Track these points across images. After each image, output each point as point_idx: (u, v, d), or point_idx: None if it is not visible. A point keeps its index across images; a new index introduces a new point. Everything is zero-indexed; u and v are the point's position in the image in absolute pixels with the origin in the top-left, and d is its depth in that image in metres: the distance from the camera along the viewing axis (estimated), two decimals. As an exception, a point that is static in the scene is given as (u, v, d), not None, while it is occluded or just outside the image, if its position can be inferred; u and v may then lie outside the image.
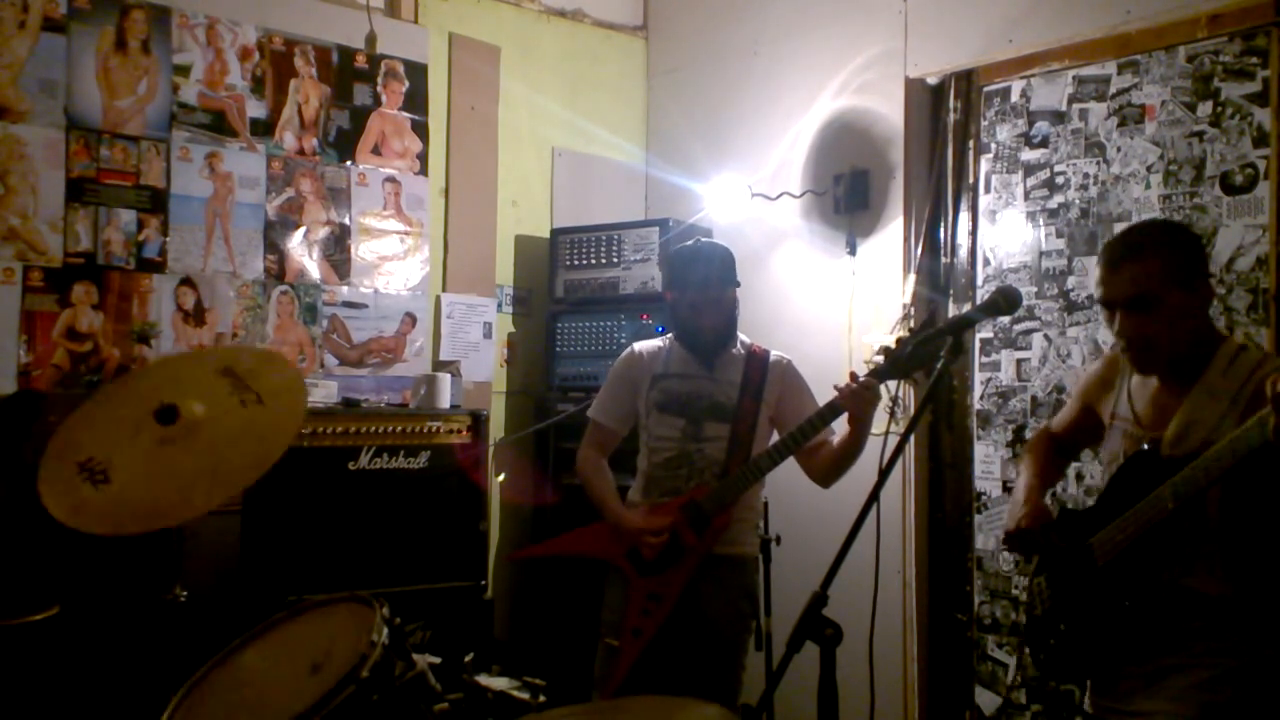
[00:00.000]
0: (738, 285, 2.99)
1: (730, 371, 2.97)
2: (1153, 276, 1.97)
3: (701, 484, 2.88)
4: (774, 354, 3.03)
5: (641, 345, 3.11)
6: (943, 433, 3.73)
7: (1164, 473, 1.93)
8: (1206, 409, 1.94)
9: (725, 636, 2.89)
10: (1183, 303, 1.98)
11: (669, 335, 3.10)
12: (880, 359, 2.64)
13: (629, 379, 3.04)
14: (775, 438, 2.96)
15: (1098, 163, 3.34)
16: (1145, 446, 2.03)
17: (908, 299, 3.70)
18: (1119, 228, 3.27)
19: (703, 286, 2.93)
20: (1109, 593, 2.06)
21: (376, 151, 4.06)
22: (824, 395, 2.85)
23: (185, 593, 2.50)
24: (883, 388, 3.56)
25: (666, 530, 2.81)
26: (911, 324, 3.67)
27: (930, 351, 2.42)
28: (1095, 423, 2.25)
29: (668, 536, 2.81)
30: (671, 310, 3.04)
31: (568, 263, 4.32)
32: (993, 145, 3.63)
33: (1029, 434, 3.48)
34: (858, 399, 2.65)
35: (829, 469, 2.85)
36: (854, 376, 2.70)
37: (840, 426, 2.79)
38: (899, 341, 2.63)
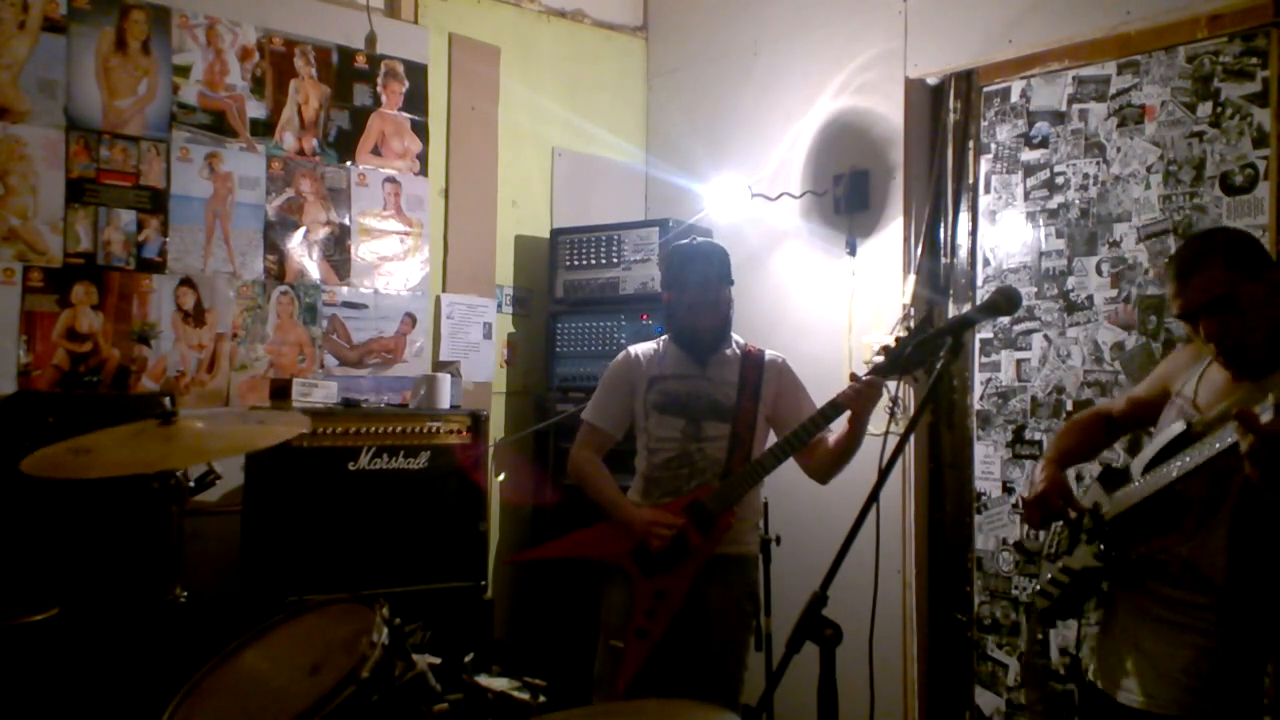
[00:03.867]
0: (732, 284, 3.01)
1: (727, 371, 2.98)
2: (1219, 279, 2.01)
3: (703, 484, 2.88)
4: (769, 353, 3.04)
5: (636, 348, 3.10)
6: (943, 433, 3.73)
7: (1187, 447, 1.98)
8: (1251, 401, 1.93)
9: (728, 636, 2.89)
10: (1255, 293, 2.01)
11: (663, 337, 3.09)
12: (881, 358, 2.66)
13: (625, 382, 3.04)
14: (772, 436, 2.96)
15: (1098, 163, 3.34)
16: (1186, 424, 2.05)
17: (908, 299, 3.70)
18: (1119, 228, 3.27)
19: (700, 287, 2.94)
20: (1108, 544, 2.11)
21: (376, 152, 4.06)
22: (821, 395, 2.85)
23: (185, 593, 2.50)
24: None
25: (676, 524, 2.81)
26: (911, 324, 3.67)
27: (930, 350, 2.45)
28: (1163, 404, 2.26)
29: (677, 528, 2.81)
30: (669, 310, 3.04)
31: (568, 263, 4.32)
32: (993, 145, 3.63)
33: (1029, 434, 3.49)
34: (862, 396, 2.68)
35: (828, 465, 2.86)
36: (854, 376, 2.72)
37: (838, 424, 2.80)
38: (899, 340, 2.66)
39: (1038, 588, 2.34)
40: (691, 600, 2.83)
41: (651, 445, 2.96)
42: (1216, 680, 1.96)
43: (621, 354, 3.11)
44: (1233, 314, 2.00)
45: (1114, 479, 2.21)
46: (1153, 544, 2.04)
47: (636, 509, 2.90)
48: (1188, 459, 1.95)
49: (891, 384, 3.54)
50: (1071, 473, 2.49)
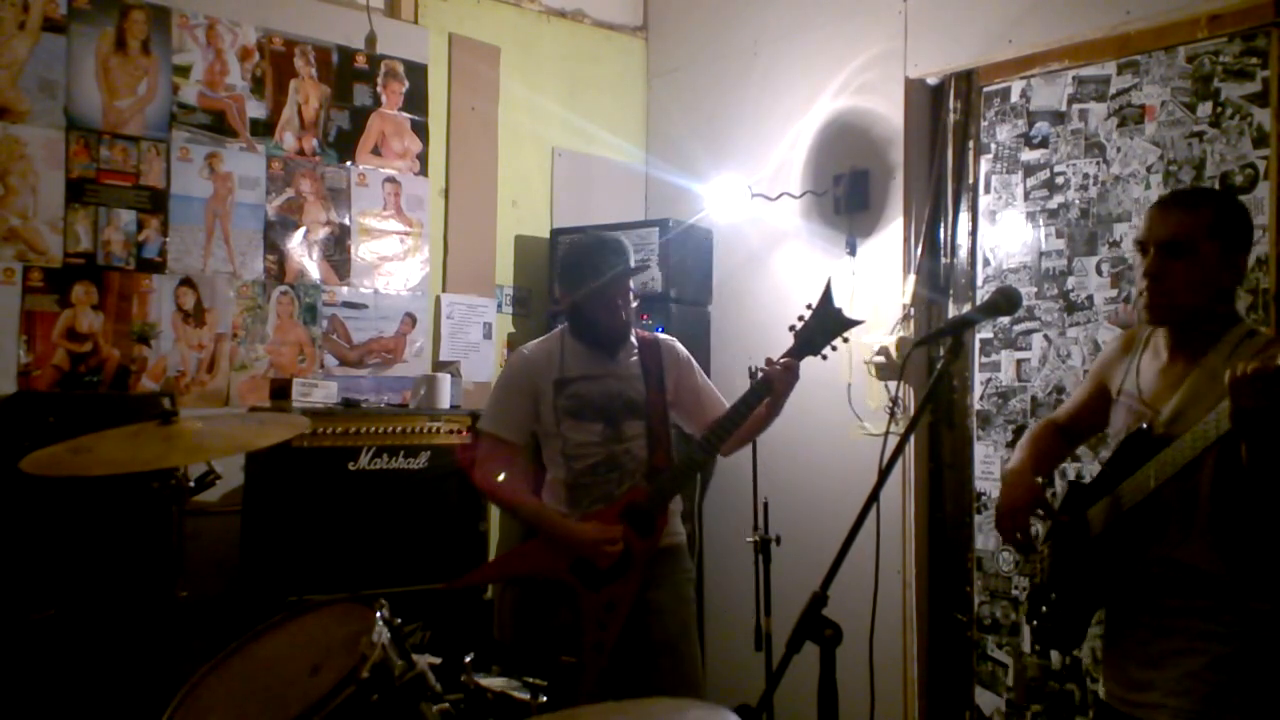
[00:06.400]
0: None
1: (631, 364, 2.93)
2: (1197, 226, 1.99)
3: (634, 486, 2.84)
4: (662, 337, 3.04)
5: (530, 349, 2.98)
6: (943, 433, 3.73)
7: (1155, 451, 1.97)
8: (1205, 391, 1.95)
9: (678, 620, 2.90)
10: (1214, 262, 1.99)
11: (555, 333, 3.00)
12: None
13: (526, 387, 2.90)
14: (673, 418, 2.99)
15: (1098, 163, 3.34)
16: (1143, 425, 2.05)
17: (908, 299, 3.70)
18: (1119, 228, 3.27)
19: (611, 277, 2.83)
20: (1099, 564, 2.09)
21: (376, 152, 4.06)
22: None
23: (185, 593, 2.50)
24: (882, 387, 3.62)
25: (620, 538, 2.76)
26: (911, 327, 3.68)
27: (833, 324, 2.71)
28: (1106, 404, 2.25)
29: (620, 540, 2.77)
30: (575, 306, 2.89)
31: (568, 263, 4.32)
32: (993, 145, 3.63)
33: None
34: (787, 376, 2.76)
35: (738, 442, 2.91)
36: (770, 361, 2.77)
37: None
38: (801, 318, 2.80)
39: (1034, 622, 2.30)
40: (638, 599, 2.81)
41: (569, 451, 2.87)
42: (1236, 685, 1.93)
43: (514, 356, 2.99)
44: (1185, 263, 1.98)
45: (1084, 495, 2.18)
46: (1149, 554, 2.02)
47: (576, 526, 2.80)
48: (1165, 464, 1.93)
49: (891, 384, 3.58)
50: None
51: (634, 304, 2.92)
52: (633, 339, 2.96)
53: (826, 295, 2.80)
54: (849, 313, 2.81)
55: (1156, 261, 2.02)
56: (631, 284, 2.91)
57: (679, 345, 3.04)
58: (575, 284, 2.88)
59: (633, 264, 2.91)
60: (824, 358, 2.81)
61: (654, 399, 2.90)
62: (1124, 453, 2.08)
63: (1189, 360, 2.04)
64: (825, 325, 2.78)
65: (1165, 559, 2.00)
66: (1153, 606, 2.02)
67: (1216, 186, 3.05)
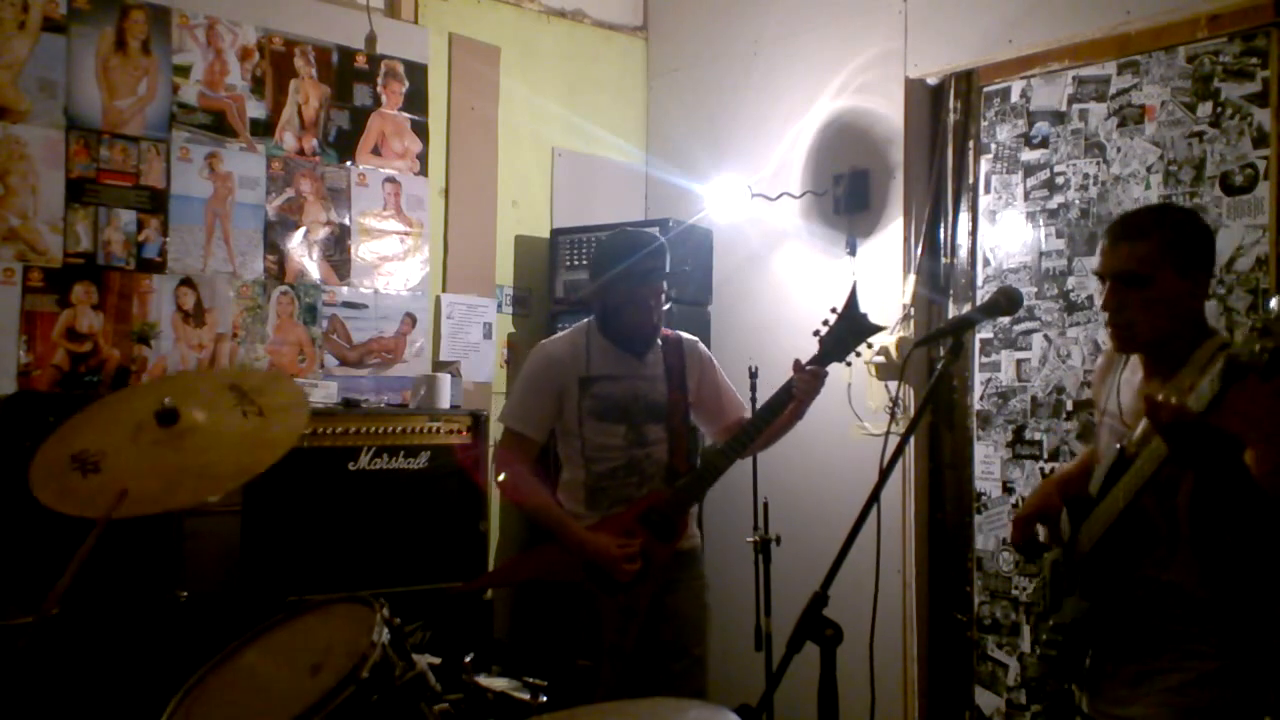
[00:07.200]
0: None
1: (654, 364, 2.91)
2: (1148, 256, 1.96)
3: (654, 490, 2.83)
4: (685, 337, 3.03)
5: (554, 345, 2.95)
6: (943, 433, 3.73)
7: (1125, 471, 1.97)
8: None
9: (693, 626, 2.90)
10: (1173, 287, 1.96)
11: (581, 328, 2.96)
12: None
13: (551, 384, 2.88)
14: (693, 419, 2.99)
15: (1098, 163, 3.34)
16: (1118, 446, 2.03)
17: (908, 299, 3.70)
18: (1119, 228, 3.27)
19: (647, 278, 2.81)
20: (1087, 585, 2.09)
21: (376, 152, 4.06)
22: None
23: (185, 593, 2.50)
24: (882, 387, 3.62)
25: (639, 553, 2.75)
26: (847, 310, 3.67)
27: (858, 329, 2.72)
28: None
29: (639, 550, 2.76)
30: (603, 305, 2.87)
31: (568, 263, 4.32)
32: (993, 145, 3.63)
33: (1029, 434, 3.49)
34: (815, 384, 2.75)
35: (761, 445, 2.91)
36: (799, 365, 2.76)
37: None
38: (827, 324, 2.79)
39: (1038, 651, 2.31)
40: (655, 602, 2.81)
41: (590, 453, 2.86)
42: (1216, 702, 1.92)
43: (538, 352, 2.96)
44: (1140, 295, 1.96)
45: (1079, 507, 2.17)
46: (1136, 573, 2.00)
47: (596, 539, 2.77)
48: (1129, 485, 1.93)
49: (891, 385, 3.58)
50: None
51: (665, 306, 2.91)
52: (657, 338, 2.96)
53: (852, 300, 2.79)
54: (874, 319, 2.79)
55: (1113, 295, 2.00)
56: (665, 285, 2.89)
57: (701, 345, 3.04)
58: (610, 279, 2.84)
59: (668, 267, 2.89)
60: (848, 364, 2.80)
61: (675, 399, 2.89)
62: (1108, 474, 2.06)
63: (1162, 379, 2.02)
64: (851, 331, 2.76)
65: (1151, 579, 1.98)
66: (1137, 625, 2.01)
67: (1216, 187, 3.05)
